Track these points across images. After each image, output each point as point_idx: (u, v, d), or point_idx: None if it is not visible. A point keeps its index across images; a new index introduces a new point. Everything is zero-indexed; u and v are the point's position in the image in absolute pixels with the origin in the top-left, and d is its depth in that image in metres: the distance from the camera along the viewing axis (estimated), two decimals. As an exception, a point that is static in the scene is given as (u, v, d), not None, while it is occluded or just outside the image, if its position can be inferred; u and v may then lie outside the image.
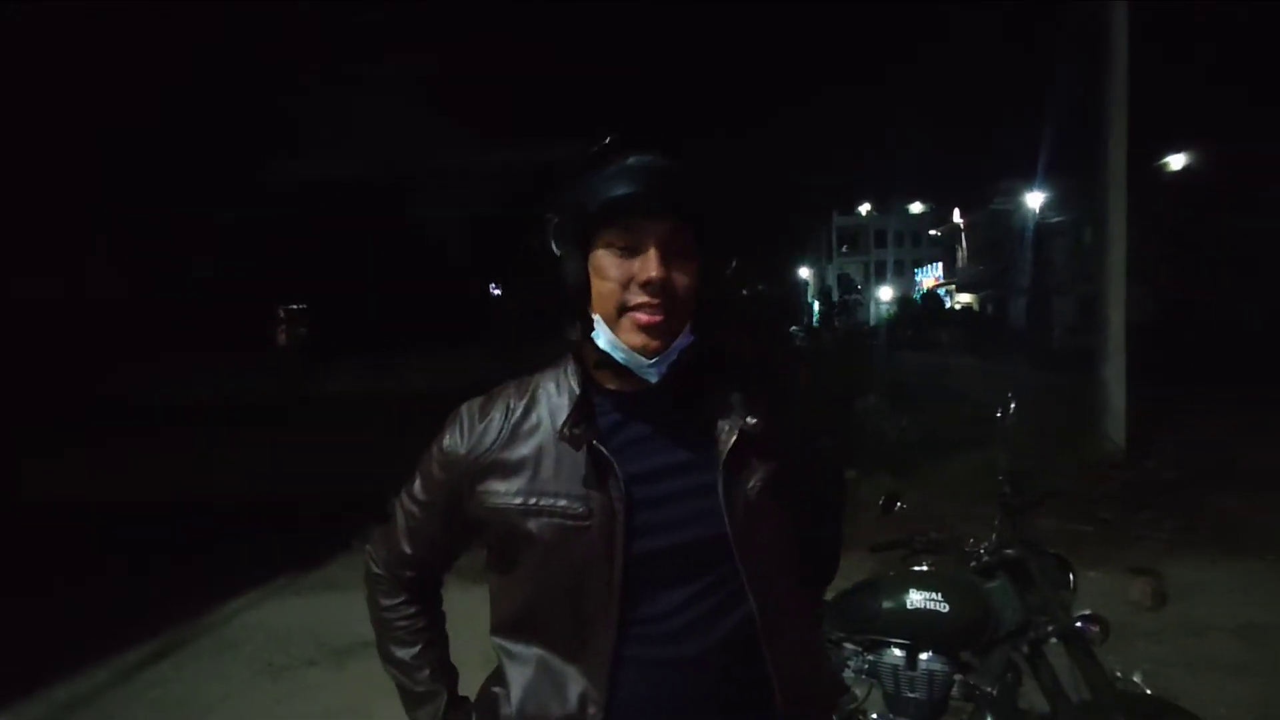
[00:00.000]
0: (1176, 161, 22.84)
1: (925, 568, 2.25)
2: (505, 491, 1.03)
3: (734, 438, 1.03)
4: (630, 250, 0.98)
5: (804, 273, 64.35)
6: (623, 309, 0.98)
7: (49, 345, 15.25)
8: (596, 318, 1.00)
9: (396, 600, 1.20)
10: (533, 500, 1.02)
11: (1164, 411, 7.95)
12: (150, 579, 5.17)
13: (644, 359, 0.98)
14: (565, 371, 1.08)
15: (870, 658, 2.15)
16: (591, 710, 0.99)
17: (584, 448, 1.01)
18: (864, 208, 65.73)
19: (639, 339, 0.98)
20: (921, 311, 40.12)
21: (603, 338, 1.00)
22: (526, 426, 1.06)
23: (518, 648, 1.07)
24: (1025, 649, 2.06)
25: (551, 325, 1.06)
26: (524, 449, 1.04)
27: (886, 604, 2.12)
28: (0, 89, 14.47)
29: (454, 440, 1.09)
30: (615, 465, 0.99)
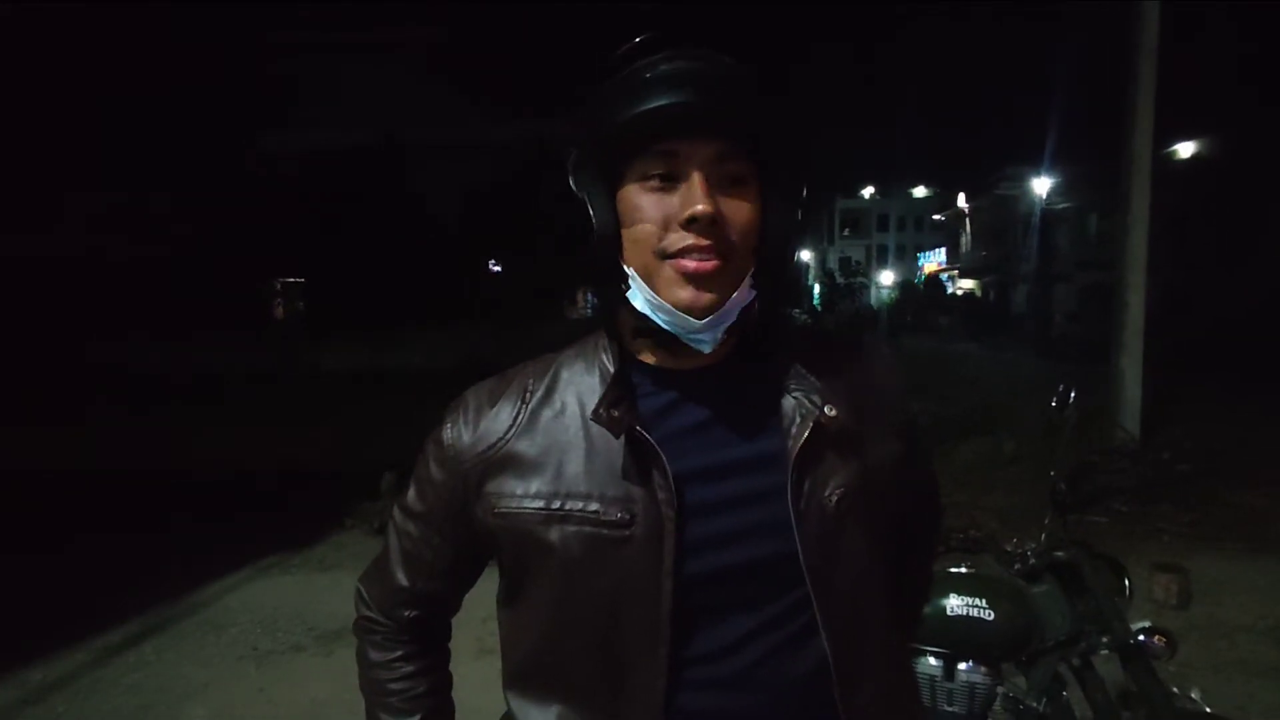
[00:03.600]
0: (1185, 150, 22.55)
1: (963, 569, 2.06)
2: (522, 493, 0.82)
3: (807, 430, 0.80)
4: (669, 181, 0.76)
5: (805, 255, 64.03)
6: (662, 256, 0.76)
7: (41, 312, 15.03)
8: (631, 272, 0.78)
9: (392, 655, 0.94)
10: (557, 504, 0.80)
11: (1176, 402, 7.80)
12: (132, 554, 4.98)
13: (693, 320, 0.76)
14: (596, 346, 0.87)
15: (903, 666, 1.97)
16: None
17: (623, 436, 0.79)
18: (867, 191, 65.28)
19: (685, 294, 0.76)
20: (923, 296, 39.94)
21: (639, 296, 0.78)
22: (548, 412, 0.84)
23: (536, 707, 0.85)
24: (1075, 661, 1.89)
25: (585, 277, 0.84)
26: (545, 440, 0.83)
27: (924, 609, 1.94)
28: (3, 58, 14.14)
29: (457, 431, 0.87)
30: (663, 458, 0.78)
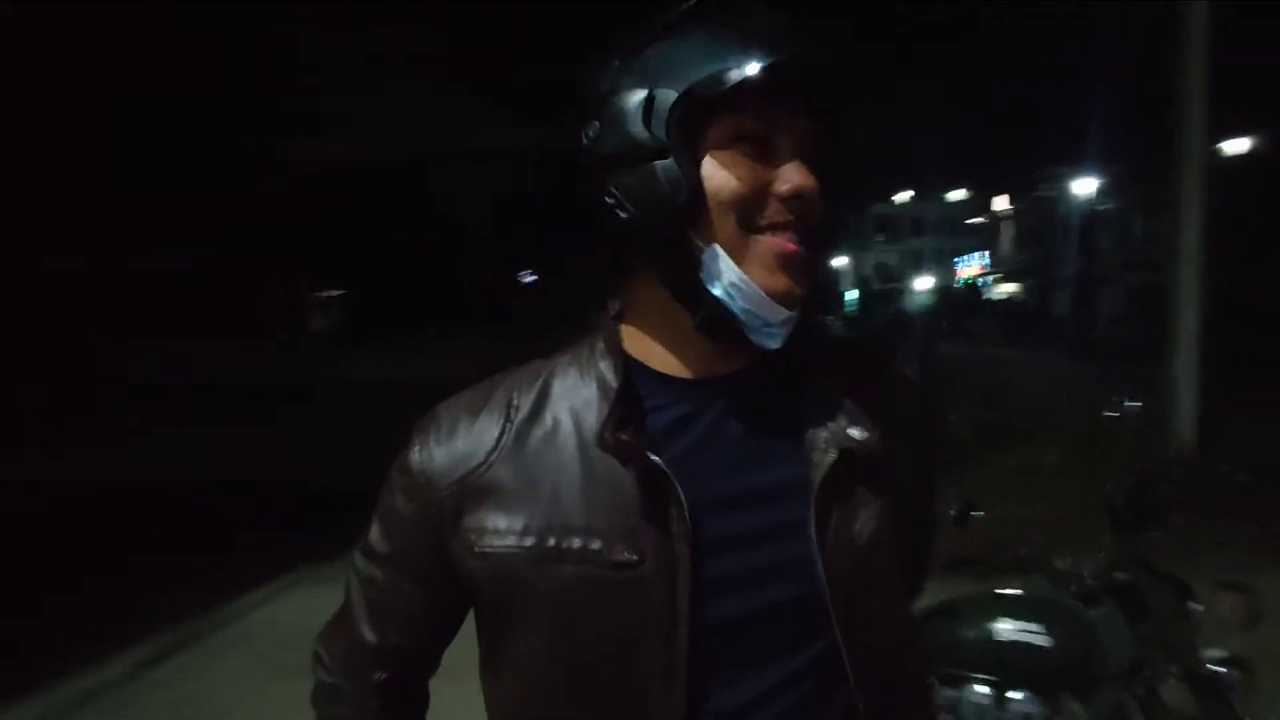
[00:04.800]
0: (1235, 146, 21.85)
1: (1014, 591, 1.92)
2: (507, 528, 0.69)
3: (833, 457, 0.69)
4: (763, 149, 0.67)
5: (838, 261, 63.39)
6: (751, 230, 0.67)
7: (80, 324, 15.43)
8: (715, 250, 0.66)
9: None
10: (550, 540, 0.68)
11: (1234, 408, 7.46)
12: (162, 567, 5.02)
13: (784, 310, 0.67)
14: (593, 352, 0.74)
15: (950, 693, 1.84)
16: None
17: (631, 463, 0.68)
18: (901, 195, 64.48)
19: (781, 280, 0.67)
20: (961, 301, 39.24)
21: (722, 278, 0.66)
22: (538, 431, 0.72)
23: None
24: (1139, 691, 1.74)
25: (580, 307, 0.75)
26: (535, 463, 0.70)
27: (971, 632, 1.81)
28: (44, 70, 14.62)
29: (427, 454, 0.73)
30: (678, 487, 0.66)
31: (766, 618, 0.69)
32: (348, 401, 12.35)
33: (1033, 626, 1.75)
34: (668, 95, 0.65)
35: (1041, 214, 36.25)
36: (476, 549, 0.70)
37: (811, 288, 0.69)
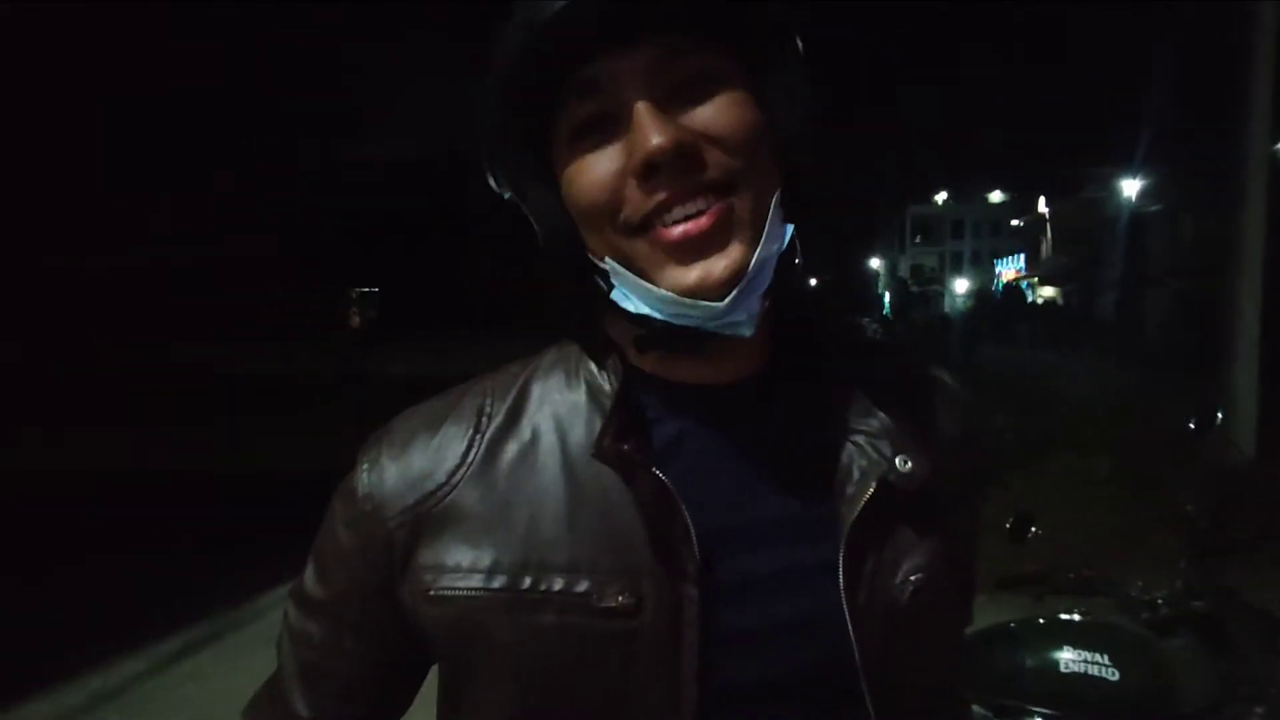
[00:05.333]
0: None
1: (1078, 616, 1.77)
2: (470, 565, 0.55)
3: (869, 490, 0.56)
4: (606, 125, 0.52)
5: (875, 263, 62.63)
6: (632, 230, 0.52)
7: (126, 318, 15.82)
8: (611, 265, 0.54)
9: None
10: (526, 580, 0.54)
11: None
12: (192, 560, 5.05)
13: (712, 303, 0.51)
14: (581, 351, 0.61)
15: (1006, 727, 1.70)
16: None
17: (630, 482, 0.55)
18: (941, 196, 63.55)
19: (688, 273, 0.51)
20: (1001, 304, 38.47)
21: (632, 296, 0.54)
22: (514, 445, 0.58)
23: None
24: (1221, 733, 1.59)
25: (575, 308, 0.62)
26: (509, 485, 0.57)
27: (1030, 661, 1.67)
28: (83, 72, 15.01)
29: (377, 475, 0.59)
30: (686, 514, 0.53)
31: (787, 683, 0.56)
32: (379, 398, 12.44)
33: (1099, 657, 1.61)
34: (493, 126, 0.55)
35: (1086, 215, 35.39)
36: (432, 592, 0.56)
37: (746, 248, 0.52)
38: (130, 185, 16.33)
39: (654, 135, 0.49)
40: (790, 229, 0.54)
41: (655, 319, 0.53)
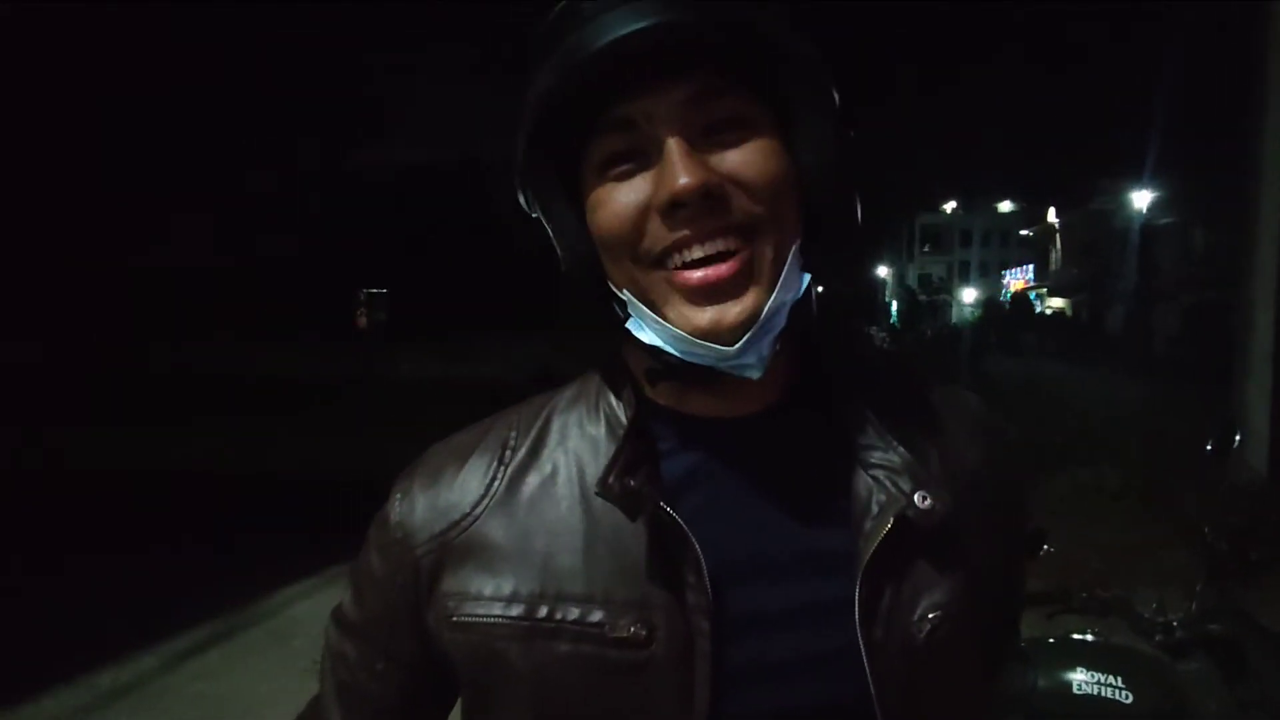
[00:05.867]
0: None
1: (1091, 637, 1.77)
2: (492, 594, 0.57)
3: (887, 525, 0.56)
4: (635, 160, 0.54)
5: (882, 271, 62.54)
6: (651, 263, 0.54)
7: (132, 318, 15.91)
8: (627, 296, 0.56)
9: None
10: (543, 610, 0.56)
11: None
12: (203, 559, 5.08)
13: (722, 347, 0.53)
14: (600, 385, 0.63)
15: (1018, 747, 1.70)
16: None
17: (642, 516, 0.56)
18: (950, 205, 63.42)
19: (703, 316, 0.53)
20: (1009, 315, 38.36)
21: (646, 329, 0.55)
22: (534, 479, 0.60)
23: None
24: (1236, 758, 1.58)
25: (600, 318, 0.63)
26: (529, 517, 0.59)
27: (1042, 682, 1.66)
28: (100, 74, 15.14)
29: (408, 504, 0.61)
30: (697, 548, 0.54)
31: (802, 719, 0.56)
32: (385, 401, 12.48)
33: (1112, 679, 1.61)
34: (525, 150, 0.56)
35: (1096, 226, 35.26)
36: (455, 618, 0.58)
37: (762, 295, 0.53)
38: (142, 186, 16.45)
39: (682, 175, 0.51)
40: (807, 278, 0.56)
41: (667, 353, 0.55)
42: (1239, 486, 5.68)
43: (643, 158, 0.53)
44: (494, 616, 0.56)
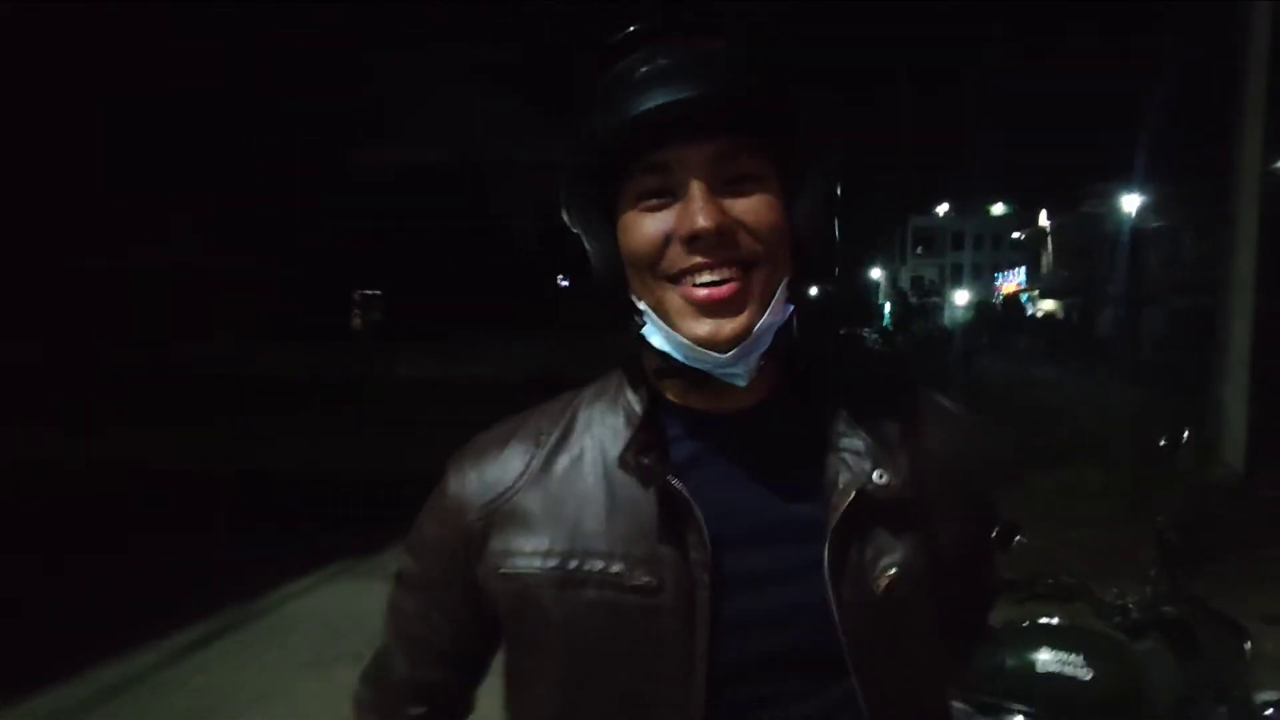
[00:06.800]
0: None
1: (1055, 620, 1.88)
2: (531, 550, 0.70)
3: (849, 499, 0.68)
4: (664, 196, 0.66)
5: (875, 274, 62.83)
6: (667, 279, 0.67)
7: (133, 318, 15.90)
8: (644, 307, 0.69)
9: None
10: (572, 563, 0.68)
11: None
12: (204, 556, 5.14)
13: (716, 353, 0.65)
14: (620, 384, 0.76)
15: (986, 723, 1.81)
16: None
17: (653, 487, 0.68)
18: (942, 208, 63.70)
19: (703, 327, 0.65)
20: (1000, 317, 38.61)
21: (657, 334, 0.68)
22: (565, 459, 0.73)
23: None
24: (1186, 732, 1.69)
25: (607, 318, 0.75)
26: (560, 490, 0.72)
27: (1010, 661, 1.77)
28: (100, 74, 15.14)
29: (461, 481, 0.75)
30: (698, 514, 0.66)
31: (783, 661, 0.67)
32: (389, 400, 12.55)
33: (1074, 658, 1.71)
34: (572, 176, 0.70)
35: (1086, 230, 35.52)
36: (501, 570, 0.71)
37: (753, 316, 0.65)
38: (141, 186, 16.46)
39: (702, 216, 0.64)
40: (791, 308, 0.69)
41: (672, 356, 0.68)
42: (1208, 482, 5.82)
43: (670, 195, 0.66)
44: (533, 568, 0.69)
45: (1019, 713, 1.75)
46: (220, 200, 17.47)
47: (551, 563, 0.69)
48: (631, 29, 0.67)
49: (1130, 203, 27.93)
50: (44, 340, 15.08)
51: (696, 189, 0.64)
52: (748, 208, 0.66)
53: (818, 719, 0.67)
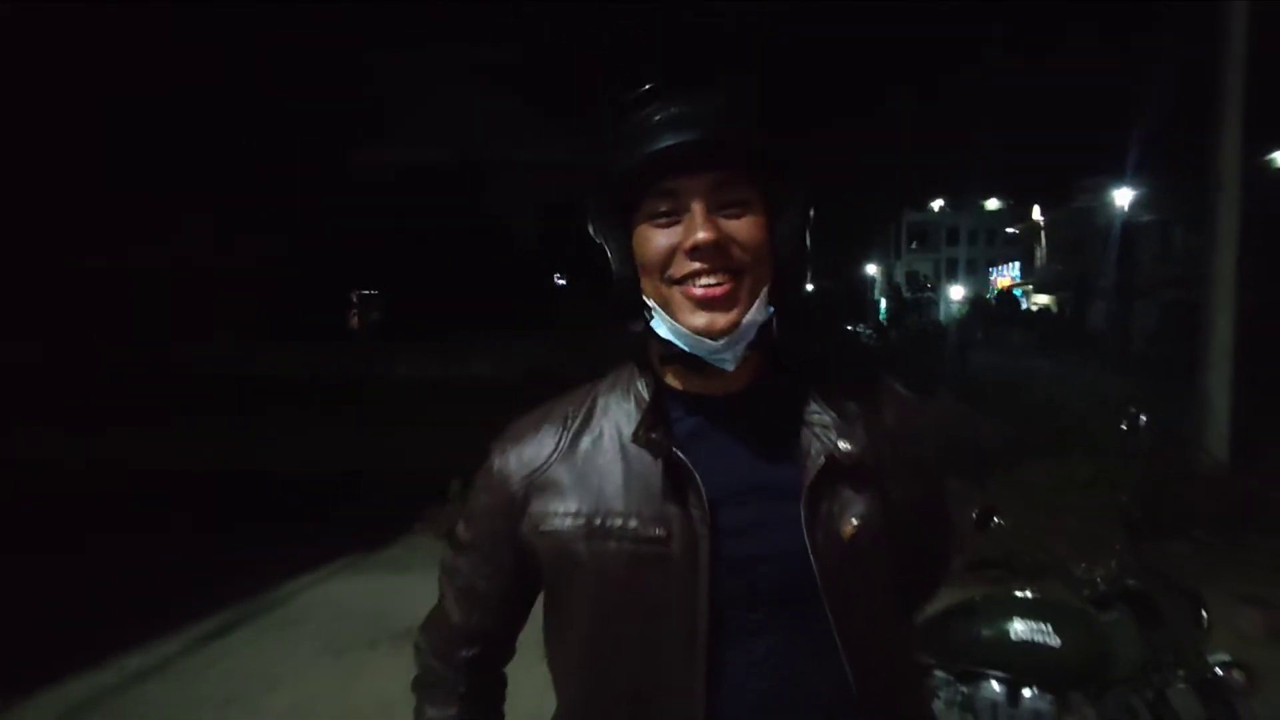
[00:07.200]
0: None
1: (1029, 593, 2.04)
2: (563, 511, 0.86)
3: (819, 465, 0.84)
4: (672, 215, 0.83)
5: (871, 269, 62.97)
6: (672, 283, 0.83)
7: (132, 316, 15.95)
8: (651, 303, 0.85)
9: (448, 712, 0.96)
10: (597, 520, 0.84)
11: (1268, 427, 7.37)
12: (215, 552, 5.30)
13: (710, 341, 0.81)
14: (631, 374, 0.92)
15: (964, 690, 1.96)
16: None
17: (660, 458, 0.84)
18: (936, 203, 63.80)
19: (700, 319, 0.81)
20: (994, 312, 38.78)
21: (663, 325, 0.84)
22: (588, 438, 0.89)
23: None
24: (1148, 695, 1.84)
25: (612, 315, 0.91)
26: (585, 463, 0.88)
27: (986, 631, 1.93)
28: (100, 74, 15.17)
29: (504, 459, 0.92)
30: (698, 479, 0.82)
31: (771, 594, 0.82)
32: (389, 400, 12.64)
33: (1045, 627, 1.87)
34: (598, 197, 0.86)
35: (1078, 225, 35.68)
36: (540, 529, 0.87)
37: (741, 313, 0.81)
38: (141, 186, 16.51)
39: (701, 232, 0.81)
40: (771, 309, 0.86)
41: (674, 343, 0.83)
42: (1148, 460, 5.95)
43: (676, 215, 0.83)
44: (566, 527, 0.86)
45: (995, 679, 1.90)
46: (220, 200, 17.53)
47: (580, 521, 0.85)
48: (649, 86, 0.84)
49: (1122, 197, 28.08)
50: (44, 340, 15.16)
51: (698, 210, 0.81)
52: (738, 227, 0.82)
53: (799, 642, 0.83)
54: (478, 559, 0.94)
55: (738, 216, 0.83)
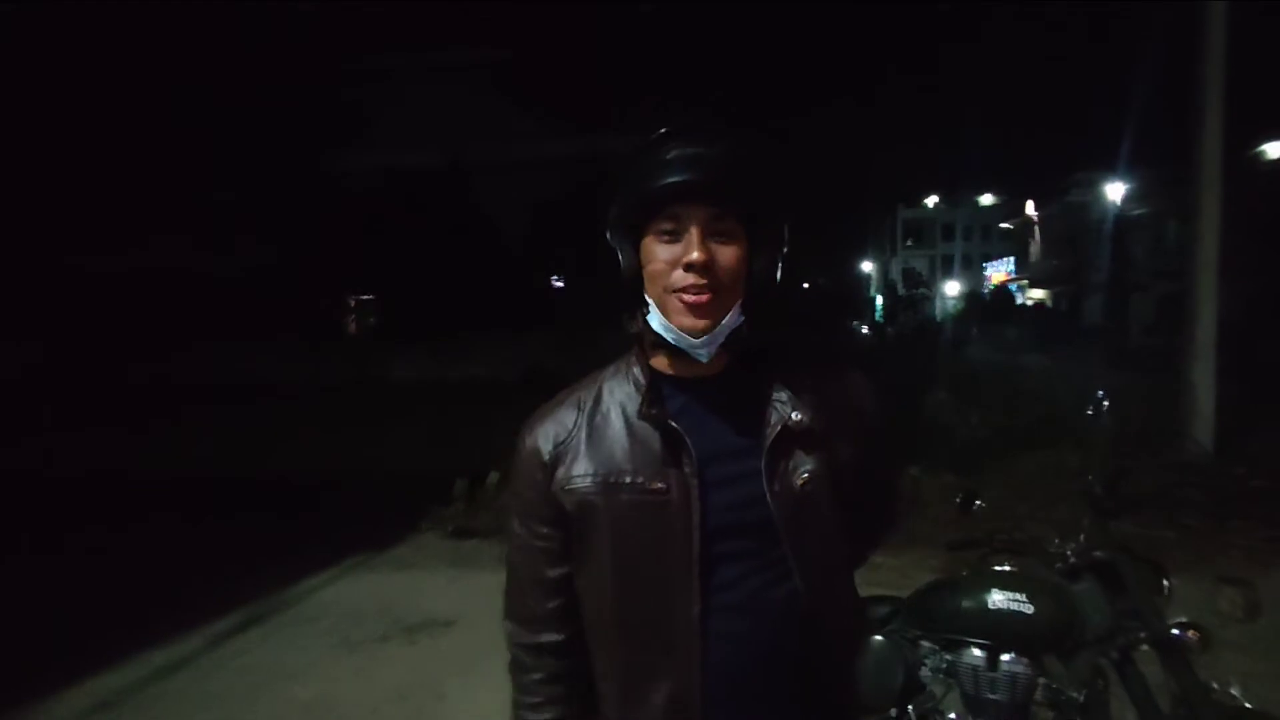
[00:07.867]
0: (1275, 150, 21.51)
1: (1006, 568, 2.19)
2: (583, 472, 1.09)
3: (777, 430, 1.08)
4: (675, 235, 1.04)
5: (866, 266, 63.20)
6: (669, 290, 1.04)
7: (130, 321, 16.02)
8: (650, 301, 1.06)
9: (538, 698, 1.15)
10: (611, 479, 1.07)
11: (1253, 415, 7.54)
12: (231, 552, 5.44)
13: (692, 339, 1.03)
14: (630, 363, 1.14)
15: (948, 657, 2.11)
16: (687, 692, 1.05)
17: (659, 429, 1.07)
18: (931, 200, 64.02)
19: (686, 319, 1.03)
20: (990, 307, 38.95)
21: (656, 320, 1.06)
22: (599, 417, 1.12)
23: (606, 649, 1.12)
24: (1114, 655, 2.00)
25: (615, 312, 1.11)
26: (598, 435, 1.10)
27: (966, 603, 2.08)
28: (87, 80, 15.24)
29: (533, 437, 1.14)
30: (689, 443, 1.05)
31: (743, 530, 1.07)
32: (389, 402, 12.76)
33: (1020, 597, 2.02)
34: (617, 212, 1.07)
35: (1071, 219, 35.87)
36: (566, 488, 1.10)
37: (718, 318, 1.03)
38: (137, 191, 16.61)
39: (696, 252, 1.03)
40: (742, 318, 1.07)
41: (663, 336, 1.06)
42: (1109, 441, 6.13)
43: (677, 235, 1.04)
44: (586, 485, 1.09)
45: (976, 646, 2.06)
46: (216, 205, 17.64)
47: (598, 480, 1.08)
48: (664, 130, 1.07)
49: (1114, 191, 28.27)
50: (44, 341, 15.26)
51: (695, 234, 1.03)
52: (724, 253, 1.05)
53: (766, 570, 1.08)
54: (531, 521, 1.14)
55: (725, 245, 1.04)
